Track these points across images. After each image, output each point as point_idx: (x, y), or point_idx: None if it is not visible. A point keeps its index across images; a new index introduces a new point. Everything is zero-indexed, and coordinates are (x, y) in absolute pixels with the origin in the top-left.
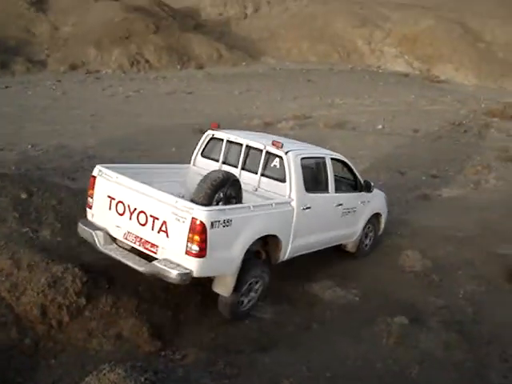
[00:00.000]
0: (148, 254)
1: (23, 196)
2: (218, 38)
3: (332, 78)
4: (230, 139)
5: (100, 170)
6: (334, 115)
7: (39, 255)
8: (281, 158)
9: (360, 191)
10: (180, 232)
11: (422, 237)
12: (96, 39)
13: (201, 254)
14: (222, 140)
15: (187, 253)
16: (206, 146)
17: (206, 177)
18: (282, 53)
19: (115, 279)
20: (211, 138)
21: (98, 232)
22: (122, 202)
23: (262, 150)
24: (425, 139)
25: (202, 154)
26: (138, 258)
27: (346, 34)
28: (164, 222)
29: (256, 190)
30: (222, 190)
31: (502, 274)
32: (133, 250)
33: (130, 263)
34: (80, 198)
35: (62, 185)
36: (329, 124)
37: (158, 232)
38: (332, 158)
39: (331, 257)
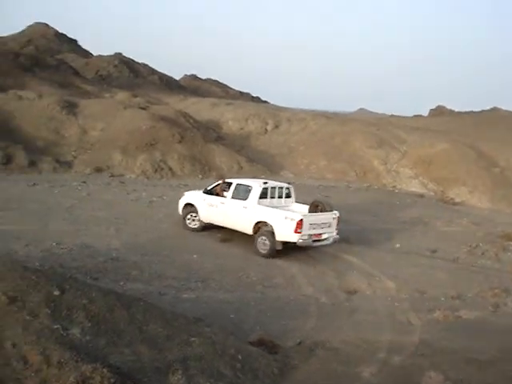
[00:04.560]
0: None
1: (56, 293)
2: (239, 150)
3: (348, 196)
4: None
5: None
6: (353, 230)
7: (69, 353)
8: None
9: None
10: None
11: (444, 358)
12: (122, 145)
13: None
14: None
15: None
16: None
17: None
18: (300, 168)
19: (141, 382)
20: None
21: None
22: None
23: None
24: (442, 260)
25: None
26: None
27: (362, 153)
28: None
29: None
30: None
31: None
32: None
33: None
34: (110, 298)
35: (93, 284)
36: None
37: None
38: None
39: None
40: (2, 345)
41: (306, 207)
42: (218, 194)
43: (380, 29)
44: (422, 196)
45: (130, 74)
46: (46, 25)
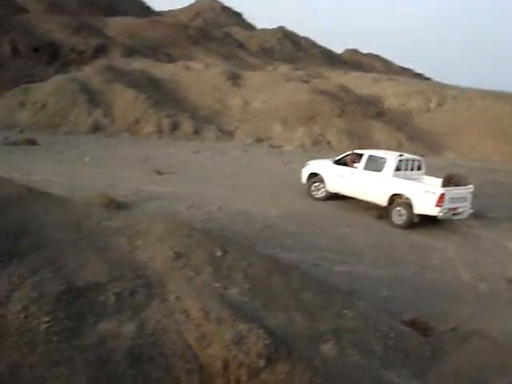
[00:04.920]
0: None
1: (218, 253)
2: (399, 127)
3: None
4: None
5: None
6: None
7: (228, 311)
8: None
9: None
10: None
11: None
12: (283, 116)
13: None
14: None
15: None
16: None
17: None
18: (463, 149)
19: (293, 348)
20: None
21: None
22: None
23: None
24: None
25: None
26: None
27: None
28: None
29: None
30: None
31: None
32: None
33: None
34: (267, 263)
35: (252, 248)
36: None
37: None
38: None
39: None
40: (167, 297)
41: (438, 180)
42: (347, 165)
43: None
44: None
45: (292, 48)
46: None
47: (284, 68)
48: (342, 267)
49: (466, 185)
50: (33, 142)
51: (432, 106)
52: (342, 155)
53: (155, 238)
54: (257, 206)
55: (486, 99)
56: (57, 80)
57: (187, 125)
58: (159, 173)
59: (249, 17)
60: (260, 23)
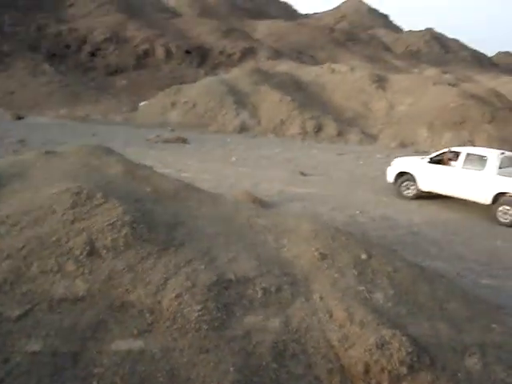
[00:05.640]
0: None
1: (363, 256)
2: None
3: None
4: None
5: None
6: None
7: (371, 315)
8: None
9: None
10: None
11: None
12: (428, 121)
13: None
14: None
15: None
16: None
17: None
18: None
19: (437, 359)
20: None
21: None
22: None
23: None
24: None
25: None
26: None
27: None
28: None
29: None
30: None
31: None
32: None
33: None
34: (413, 270)
35: (398, 254)
36: None
37: None
38: None
39: None
40: (311, 296)
41: None
42: (443, 163)
43: None
44: None
45: (440, 50)
46: (360, 1)
47: (431, 71)
48: (489, 280)
49: None
50: (183, 140)
51: None
52: (437, 153)
53: (301, 238)
54: (399, 211)
55: None
56: (206, 81)
57: (331, 127)
58: (303, 174)
59: (396, 18)
60: (407, 25)
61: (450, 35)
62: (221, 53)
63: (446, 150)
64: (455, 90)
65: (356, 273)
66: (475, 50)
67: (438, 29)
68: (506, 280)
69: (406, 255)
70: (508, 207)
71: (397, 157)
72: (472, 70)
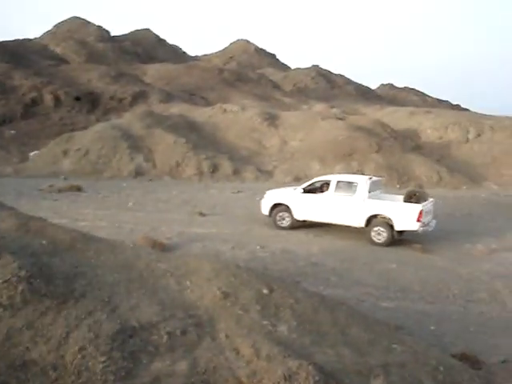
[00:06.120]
0: None
1: (265, 291)
2: (438, 160)
3: None
4: None
5: None
6: None
7: (277, 348)
8: None
9: None
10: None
11: None
12: (320, 154)
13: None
14: None
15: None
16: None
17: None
18: (505, 179)
19: (343, 383)
20: None
21: None
22: None
23: None
24: None
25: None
26: None
27: None
28: None
29: None
30: None
31: None
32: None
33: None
34: (314, 300)
35: (299, 286)
36: None
37: None
38: None
39: None
40: (217, 335)
41: (400, 197)
42: (315, 192)
43: None
44: None
45: (326, 86)
46: (247, 41)
47: (319, 106)
48: (388, 303)
49: (427, 199)
50: (78, 189)
51: (470, 136)
52: (309, 182)
53: (203, 278)
54: (298, 243)
55: None
56: (98, 127)
57: (226, 166)
58: (201, 214)
59: (282, 57)
60: (294, 63)
61: (335, 71)
62: (111, 98)
63: (317, 179)
64: (343, 123)
65: (259, 308)
66: (359, 84)
67: (323, 65)
68: (402, 301)
69: (307, 286)
70: (381, 228)
71: (269, 189)
72: (358, 103)
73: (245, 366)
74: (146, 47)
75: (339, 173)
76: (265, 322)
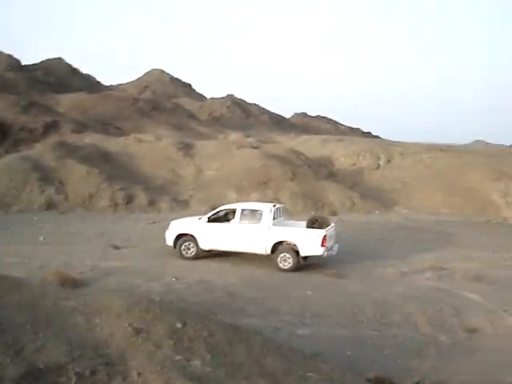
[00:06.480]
0: None
1: (178, 325)
2: (351, 186)
3: (467, 231)
4: None
5: None
6: (472, 268)
7: (191, 383)
8: None
9: None
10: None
11: None
12: (236, 183)
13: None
14: None
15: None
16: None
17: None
18: (414, 203)
19: None
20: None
21: None
22: None
23: None
24: None
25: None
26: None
27: (480, 186)
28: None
29: None
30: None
31: None
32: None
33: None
34: (228, 332)
35: (212, 318)
36: (467, 277)
37: None
38: None
39: None
40: (129, 373)
41: (303, 223)
42: (220, 221)
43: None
44: None
45: (241, 115)
46: (162, 71)
47: (235, 135)
48: (304, 330)
49: (329, 224)
50: None
51: (381, 163)
52: (214, 212)
53: (113, 315)
54: (215, 273)
55: (432, 153)
56: (7, 160)
57: (141, 197)
58: (116, 247)
59: (198, 86)
60: (209, 92)
61: (250, 100)
62: (21, 128)
63: (221, 208)
64: (258, 152)
65: (172, 343)
66: (274, 113)
67: (238, 94)
68: (318, 327)
69: (224, 317)
70: (286, 254)
71: (173, 219)
72: (272, 132)
73: None
74: (58, 76)
75: (252, 201)
76: (178, 357)
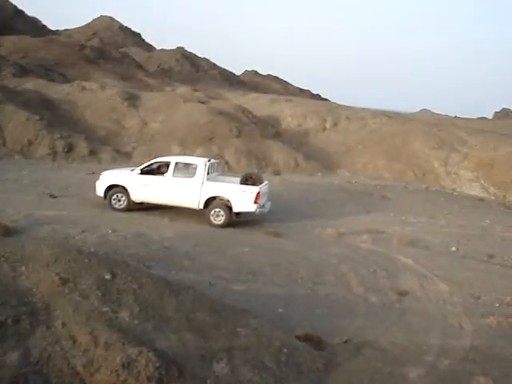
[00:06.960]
0: None
1: (107, 277)
2: (296, 147)
3: (406, 196)
4: None
5: None
6: (408, 233)
7: (116, 335)
8: None
9: None
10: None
11: (495, 364)
12: (181, 137)
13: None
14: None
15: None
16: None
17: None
18: (357, 167)
19: (185, 369)
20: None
21: None
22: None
23: None
24: (500, 266)
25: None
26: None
27: (422, 154)
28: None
29: None
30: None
31: None
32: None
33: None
34: (159, 285)
35: (144, 271)
36: (402, 241)
37: None
38: None
39: None
40: (53, 323)
41: (237, 179)
42: (153, 173)
43: (444, 29)
44: (481, 200)
45: (191, 68)
46: (111, 18)
47: (182, 89)
48: (238, 286)
49: (263, 182)
50: None
51: (327, 125)
52: (147, 164)
53: (40, 264)
54: (152, 227)
55: (378, 119)
56: None
57: (82, 146)
58: (52, 196)
59: (148, 37)
60: (159, 44)
61: (201, 54)
62: None
63: (155, 160)
64: (205, 107)
65: (100, 294)
66: (224, 69)
67: (189, 48)
68: (253, 284)
69: (159, 270)
70: (219, 210)
71: (105, 170)
72: (221, 88)
73: (81, 354)
74: (1, 17)
75: (197, 156)
76: (105, 309)
